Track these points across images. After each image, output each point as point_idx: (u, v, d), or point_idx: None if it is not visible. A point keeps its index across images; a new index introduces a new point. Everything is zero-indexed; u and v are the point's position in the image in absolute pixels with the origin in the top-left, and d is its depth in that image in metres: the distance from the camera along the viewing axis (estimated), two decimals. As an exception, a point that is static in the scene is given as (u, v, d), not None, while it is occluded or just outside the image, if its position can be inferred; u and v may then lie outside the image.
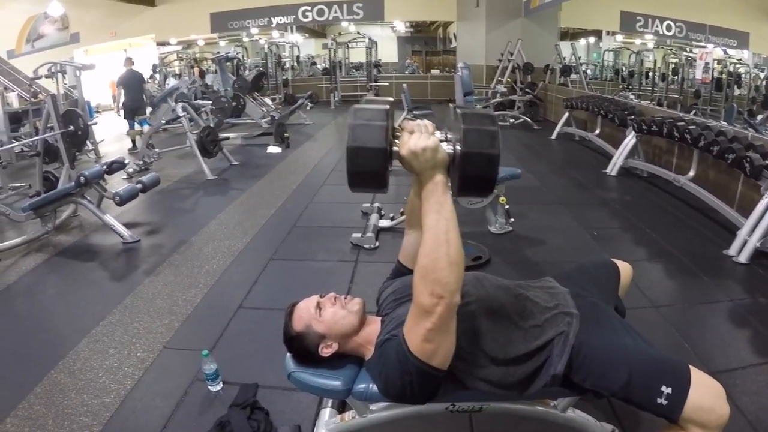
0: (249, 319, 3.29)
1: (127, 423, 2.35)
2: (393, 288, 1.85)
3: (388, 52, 19.84)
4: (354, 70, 18.33)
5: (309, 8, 15.96)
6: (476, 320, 1.58)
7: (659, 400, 1.44)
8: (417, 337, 1.40)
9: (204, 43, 18.95)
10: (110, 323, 3.26)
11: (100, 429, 2.30)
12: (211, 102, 10.11)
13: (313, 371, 1.71)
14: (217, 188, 6.70)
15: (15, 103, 10.14)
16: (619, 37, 12.75)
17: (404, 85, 9.02)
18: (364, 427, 1.86)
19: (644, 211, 5.25)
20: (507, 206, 4.52)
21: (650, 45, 11.47)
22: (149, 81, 14.83)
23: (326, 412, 2.09)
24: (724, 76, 8.63)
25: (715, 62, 8.11)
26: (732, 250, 4.05)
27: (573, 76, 11.81)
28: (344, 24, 17.54)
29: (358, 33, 17.36)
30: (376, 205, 5.05)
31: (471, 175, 1.35)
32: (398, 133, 1.41)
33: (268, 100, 12.24)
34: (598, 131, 8.27)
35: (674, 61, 10.44)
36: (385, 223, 4.70)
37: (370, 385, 1.66)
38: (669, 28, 10.28)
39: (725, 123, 6.02)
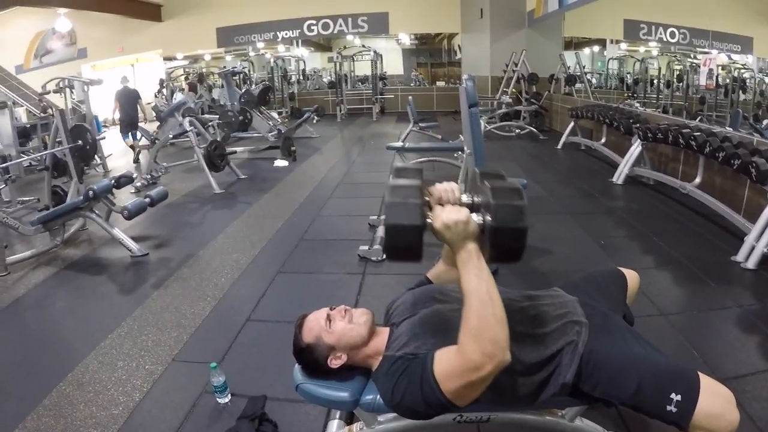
0: (257, 331, 3.30)
1: (136, 436, 2.36)
2: (403, 299, 1.85)
3: (394, 65, 19.90)
4: (360, 83, 18.40)
5: (314, 22, 16.10)
6: None
7: (669, 408, 1.44)
8: (456, 385, 1.43)
9: (210, 57, 19.08)
10: (119, 336, 3.28)
11: None
12: (218, 116, 10.17)
13: (320, 383, 1.72)
14: (224, 202, 6.73)
15: (23, 118, 10.24)
16: (623, 45, 12.75)
17: (410, 97, 9.08)
18: (371, 438, 1.86)
19: (651, 219, 5.24)
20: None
21: (654, 52, 11.47)
22: (157, 95, 14.98)
23: (334, 424, 2.09)
24: (728, 81, 8.62)
25: (720, 68, 8.10)
26: (740, 256, 4.03)
27: (578, 86, 11.82)
28: (349, 37, 17.63)
29: (363, 46, 17.42)
30: (383, 217, 5.04)
31: (502, 247, 1.42)
32: (428, 198, 1.49)
33: (274, 114, 12.31)
34: (603, 140, 8.26)
35: (678, 67, 10.44)
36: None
37: (378, 397, 1.66)
38: (673, 35, 10.30)
39: (730, 129, 6.00)
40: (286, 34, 16.56)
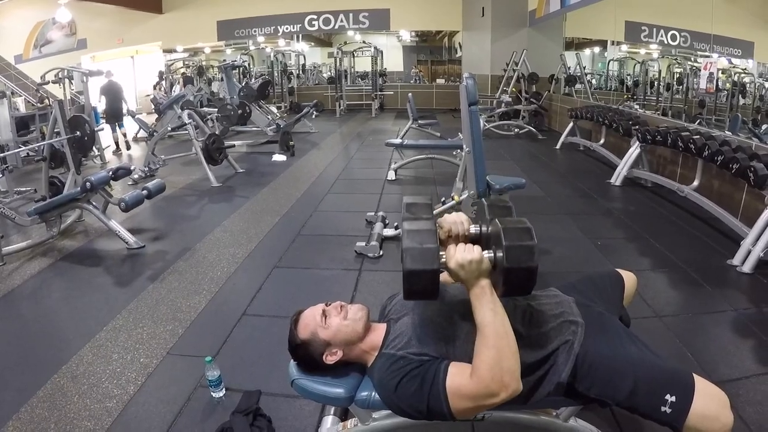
0: (253, 326, 3.29)
1: (129, 428, 2.36)
2: (401, 295, 1.86)
3: (394, 61, 19.87)
4: (359, 79, 18.38)
5: (315, 17, 16.07)
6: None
7: (663, 409, 1.45)
8: (466, 406, 1.49)
9: (210, 50, 19.04)
10: (114, 328, 3.27)
11: None
12: (216, 109, 10.16)
13: (316, 378, 1.72)
14: (221, 195, 6.72)
15: (22, 108, 10.21)
16: (624, 47, 12.73)
17: (409, 94, 9.07)
18: (364, 434, 1.86)
19: (648, 221, 5.24)
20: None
21: (655, 55, 11.46)
22: (156, 88, 14.95)
23: (329, 420, 2.10)
24: (728, 85, 8.62)
25: (720, 72, 8.10)
26: (736, 260, 4.03)
27: (578, 86, 11.81)
28: (350, 33, 17.60)
29: (364, 42, 17.41)
30: (381, 213, 5.05)
31: (513, 283, 1.47)
32: (441, 231, 1.58)
33: (273, 109, 12.28)
34: (602, 141, 8.27)
35: (679, 70, 10.43)
36: (389, 231, 4.70)
37: (373, 393, 1.66)
38: (674, 37, 10.28)
39: (729, 132, 6.00)
40: (286, 28, 16.52)
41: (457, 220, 1.61)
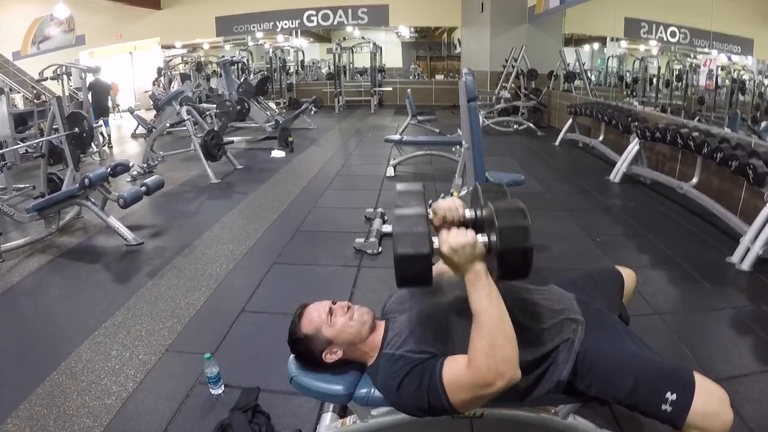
0: (251, 322, 3.29)
1: (128, 425, 2.36)
2: (400, 293, 1.85)
3: (393, 58, 19.85)
4: (358, 75, 18.36)
5: (314, 13, 16.04)
6: None
7: (664, 407, 1.45)
8: (464, 398, 1.47)
9: (209, 46, 19.01)
10: (113, 325, 3.27)
11: (101, 431, 2.31)
12: (215, 105, 10.14)
13: (315, 375, 1.72)
14: (220, 192, 6.72)
15: (21, 105, 10.19)
16: (624, 44, 12.72)
17: (408, 90, 9.06)
18: (365, 431, 1.86)
19: (647, 218, 5.24)
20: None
21: (654, 51, 11.45)
22: (154, 84, 14.93)
23: (327, 417, 2.09)
24: (728, 82, 8.62)
25: (719, 69, 8.10)
26: (735, 258, 4.03)
27: (577, 83, 11.81)
28: (349, 29, 17.58)
29: (363, 38, 17.38)
30: (380, 210, 5.05)
31: (510, 267, 1.44)
32: (435, 227, 1.53)
33: (272, 105, 12.26)
34: (601, 138, 8.26)
35: (678, 67, 10.43)
36: (388, 228, 4.69)
37: (372, 390, 1.66)
38: (673, 34, 10.28)
39: (729, 130, 6.00)
40: (285, 24, 16.49)
41: (451, 206, 1.57)
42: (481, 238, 1.47)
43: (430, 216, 1.55)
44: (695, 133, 5.17)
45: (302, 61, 18.98)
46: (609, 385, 1.54)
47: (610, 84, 13.02)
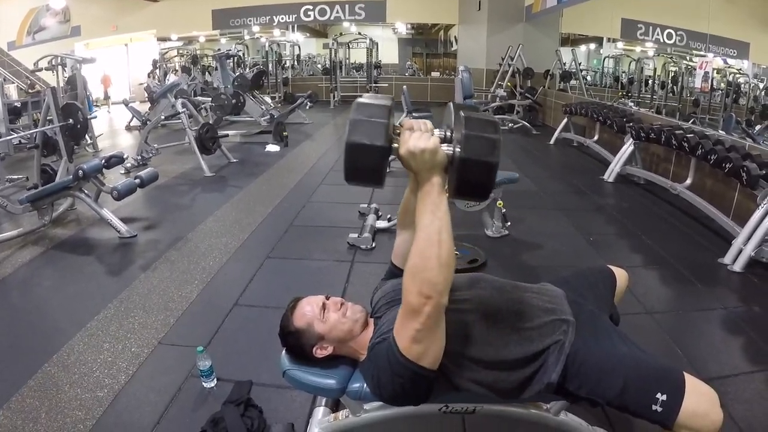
0: (244, 316, 3.30)
1: (120, 418, 2.35)
2: (384, 291, 1.84)
3: (389, 54, 19.85)
4: (354, 71, 18.33)
5: (311, 8, 15.97)
6: (470, 323, 1.58)
7: (654, 407, 1.45)
8: (406, 338, 1.41)
9: (205, 39, 18.94)
10: (105, 318, 3.26)
11: (93, 423, 2.30)
12: (210, 99, 10.11)
13: (308, 369, 1.72)
14: (214, 185, 6.70)
15: (14, 95, 10.13)
16: (620, 44, 12.76)
17: (404, 86, 9.04)
18: (357, 426, 1.87)
19: (641, 218, 5.26)
20: (504, 210, 4.54)
21: (650, 53, 11.49)
22: (149, 76, 14.87)
23: (320, 411, 2.10)
24: (723, 85, 8.67)
25: (715, 71, 8.14)
26: (727, 259, 4.06)
27: (573, 82, 11.84)
28: (346, 24, 17.54)
29: (359, 34, 17.35)
30: (374, 205, 5.05)
31: (468, 180, 1.36)
32: (398, 131, 1.39)
33: (267, 99, 12.24)
34: (596, 137, 8.28)
35: (674, 69, 10.47)
36: (382, 224, 4.69)
37: (365, 385, 1.66)
38: (669, 36, 10.30)
39: (723, 132, 6.03)
40: (282, 18, 16.42)
41: (421, 123, 1.41)
42: (446, 147, 1.38)
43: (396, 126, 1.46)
44: (690, 135, 5.19)
45: (298, 56, 18.94)
46: (599, 387, 1.53)
47: (605, 84, 13.08)
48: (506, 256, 4.25)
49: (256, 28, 17.31)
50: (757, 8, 8.48)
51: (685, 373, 1.51)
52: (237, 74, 11.48)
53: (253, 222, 5.08)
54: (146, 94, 11.73)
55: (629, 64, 11.98)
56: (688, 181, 5.41)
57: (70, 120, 5.36)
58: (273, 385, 2.49)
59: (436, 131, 1.44)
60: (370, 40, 16.23)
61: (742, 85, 8.64)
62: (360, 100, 1.39)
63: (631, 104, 9.53)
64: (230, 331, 3.11)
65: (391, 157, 1.38)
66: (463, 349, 1.55)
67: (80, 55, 11.40)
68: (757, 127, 7.28)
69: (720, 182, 5.07)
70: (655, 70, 11.07)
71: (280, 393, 2.44)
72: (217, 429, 2.18)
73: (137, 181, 4.87)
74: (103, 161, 4.97)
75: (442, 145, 1.38)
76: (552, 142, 9.51)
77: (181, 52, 17.47)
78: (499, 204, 4.47)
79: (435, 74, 18.84)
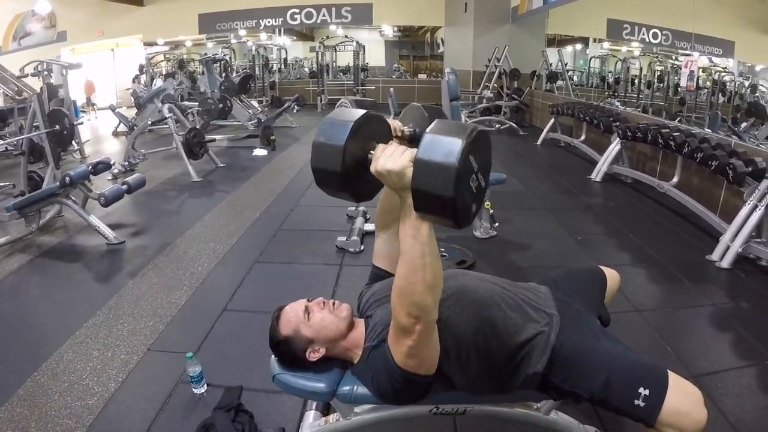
0: (234, 321, 3.28)
1: (110, 425, 2.34)
2: (372, 290, 1.85)
3: (376, 56, 19.82)
4: (341, 74, 18.32)
5: (297, 11, 15.95)
6: (455, 314, 1.59)
7: (636, 402, 1.46)
8: (400, 353, 1.44)
9: (192, 44, 18.86)
10: (94, 325, 3.24)
11: None
12: (197, 103, 10.07)
13: (297, 374, 1.72)
14: (202, 190, 6.68)
15: (0, 101, 10.03)
16: (606, 45, 12.84)
17: (391, 89, 9.05)
18: (348, 429, 1.86)
19: (628, 216, 5.30)
20: (492, 211, 4.56)
21: (636, 52, 11.57)
22: (134, 81, 14.79)
23: (311, 415, 2.10)
24: (708, 83, 8.74)
25: (701, 70, 8.20)
26: (715, 256, 4.09)
27: (559, 83, 11.89)
28: (332, 27, 17.53)
29: (346, 36, 17.35)
30: (362, 208, 5.04)
31: (428, 212, 1.24)
32: (374, 147, 1.33)
33: (254, 103, 12.20)
34: (583, 137, 8.33)
35: (660, 68, 10.55)
36: (370, 226, 4.69)
37: (355, 387, 1.66)
38: (655, 36, 10.40)
39: (709, 130, 6.08)
40: (268, 22, 16.39)
41: (395, 144, 1.34)
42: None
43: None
44: (676, 134, 5.23)
45: (285, 59, 18.90)
46: (582, 379, 1.54)
47: (592, 84, 13.15)
48: (495, 257, 4.26)
49: (242, 32, 17.25)
50: (741, 7, 8.58)
51: (669, 372, 1.52)
52: (224, 78, 11.45)
53: (241, 227, 5.06)
54: (132, 99, 11.64)
55: (615, 64, 12.04)
56: (675, 180, 5.45)
57: (57, 126, 5.33)
58: (263, 390, 2.48)
59: (406, 129, 1.46)
60: (357, 42, 16.23)
61: (728, 84, 8.71)
62: (328, 116, 1.36)
63: (618, 104, 9.60)
64: (220, 336, 3.10)
65: None
66: (452, 341, 1.55)
67: (66, 60, 11.29)
68: (743, 125, 7.35)
69: (706, 180, 5.11)
70: (641, 69, 11.16)
71: (270, 398, 2.43)
72: (209, 435, 2.18)
73: (125, 187, 4.84)
74: (90, 167, 4.94)
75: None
76: (539, 142, 9.55)
77: (167, 56, 17.36)
78: (487, 205, 4.49)
79: (422, 76, 18.83)
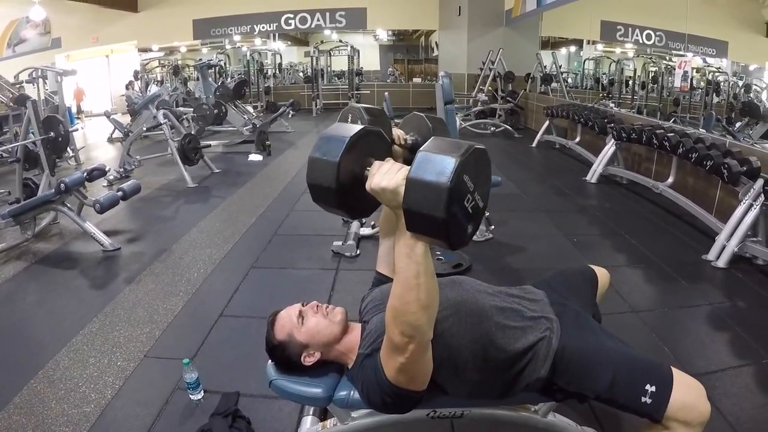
0: (230, 327, 3.28)
1: (107, 433, 2.33)
2: (372, 296, 1.84)
3: (371, 60, 19.86)
4: (336, 78, 18.34)
5: (292, 16, 15.99)
6: (454, 325, 1.57)
7: (644, 399, 1.46)
8: (392, 369, 1.43)
9: (186, 49, 18.87)
10: (90, 332, 3.22)
11: None
12: (192, 109, 10.07)
13: (294, 379, 1.72)
14: (198, 196, 6.67)
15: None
16: (600, 46, 12.89)
17: (386, 93, 9.06)
18: (344, 434, 1.86)
19: (624, 217, 5.31)
20: (487, 213, 4.55)
21: (630, 54, 11.62)
22: (128, 88, 14.78)
23: (308, 420, 2.09)
24: (702, 84, 8.78)
25: (694, 71, 8.24)
26: (711, 255, 4.10)
27: (554, 85, 11.93)
28: (327, 32, 17.56)
29: (341, 41, 17.37)
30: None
31: (419, 231, 1.22)
32: (371, 163, 1.31)
33: (249, 108, 12.20)
34: (578, 139, 8.35)
35: (654, 69, 10.59)
36: (366, 231, 4.69)
37: (352, 392, 1.66)
38: (649, 37, 10.45)
39: (704, 130, 6.10)
40: (263, 27, 16.41)
41: (390, 161, 1.32)
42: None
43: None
44: (670, 134, 5.24)
45: (280, 65, 18.92)
46: (588, 380, 1.54)
47: (586, 86, 13.20)
48: (491, 260, 4.26)
49: (237, 38, 17.28)
50: (734, 7, 8.62)
51: (672, 367, 1.53)
52: (218, 84, 11.45)
53: (237, 232, 5.06)
54: (127, 105, 11.64)
55: (609, 66, 12.09)
56: (670, 180, 5.47)
57: (52, 133, 5.32)
58: (260, 396, 2.47)
59: (409, 138, 1.51)
60: (351, 47, 16.25)
61: (722, 84, 8.75)
62: (324, 131, 1.35)
63: (612, 105, 9.62)
64: (216, 342, 3.09)
65: None
66: (448, 350, 1.54)
67: (61, 67, 11.29)
68: (738, 124, 7.38)
69: (702, 180, 5.12)
70: (635, 71, 11.20)
71: (267, 403, 2.43)
72: (206, 441, 2.17)
73: (120, 193, 4.84)
74: (85, 174, 4.92)
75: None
76: (534, 144, 9.57)
77: (162, 62, 17.37)
78: (483, 207, 4.48)
79: (417, 80, 18.88)
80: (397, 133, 1.52)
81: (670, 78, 9.33)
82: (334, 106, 16.25)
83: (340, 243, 4.40)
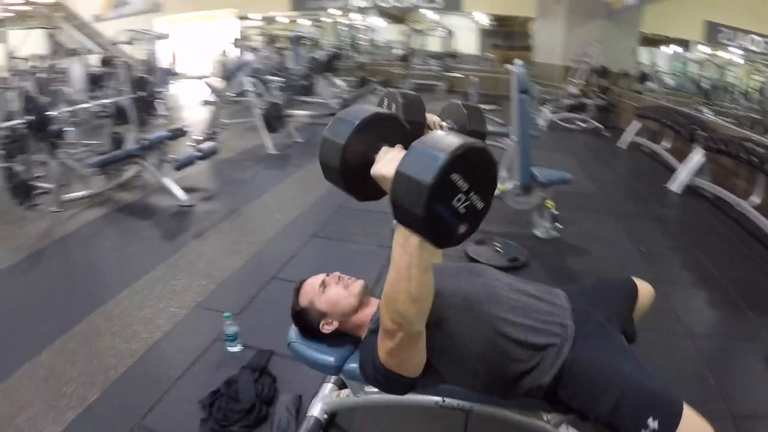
0: (279, 290, 3.41)
1: (148, 368, 2.58)
2: None
3: (468, 44, 19.62)
4: (431, 59, 18.24)
5: (388, -7, 16.06)
6: (460, 313, 1.56)
7: None
8: (383, 351, 1.44)
9: (288, 21, 19.24)
10: (152, 278, 3.49)
11: (123, 370, 2.55)
12: (282, 78, 10.31)
13: (310, 345, 1.81)
14: (276, 163, 6.87)
15: (96, 66, 10.58)
16: (702, 48, 12.24)
17: (474, 78, 8.94)
18: (357, 405, 1.93)
19: (701, 233, 5.00)
20: (556, 211, 4.45)
21: (738, 59, 10.98)
22: (224, 54, 15.26)
23: (327, 387, 2.19)
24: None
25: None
26: (787, 288, 3.80)
27: (650, 84, 11.44)
28: (425, 12, 17.48)
29: (436, 22, 17.25)
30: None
31: (406, 225, 1.21)
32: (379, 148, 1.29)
33: (340, 82, 12.35)
34: (668, 144, 7.99)
35: (761, 79, 9.99)
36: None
37: (360, 366, 1.72)
38: (757, 43, 9.83)
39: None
40: (359, 2, 16.55)
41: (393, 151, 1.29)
42: None
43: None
44: (760, 149, 4.92)
45: (374, 41, 18.98)
46: (590, 400, 1.48)
47: (685, 89, 12.58)
48: (550, 258, 4.17)
49: (332, 11, 17.47)
50: None
51: (685, 405, 1.41)
52: (310, 56, 11.65)
53: (306, 201, 5.21)
54: (222, 71, 12.03)
55: (712, 70, 11.48)
56: (755, 199, 5.14)
57: (141, 92, 5.63)
58: (292, 358, 2.57)
59: (444, 123, 1.50)
60: (446, 29, 16.10)
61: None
62: (341, 112, 1.34)
63: (708, 112, 9.14)
64: (263, 302, 3.26)
65: None
66: (453, 340, 1.55)
67: (156, 30, 11.79)
68: None
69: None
70: (740, 78, 10.59)
71: (296, 366, 2.47)
72: (230, 390, 2.32)
73: (198, 153, 5.09)
74: (169, 133, 5.20)
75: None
76: (622, 144, 9.23)
77: (261, 31, 17.79)
78: (549, 204, 4.39)
79: (511, 67, 18.51)
80: (432, 119, 1.53)
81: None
82: (424, 87, 16.19)
83: (399, 222, 4.43)
